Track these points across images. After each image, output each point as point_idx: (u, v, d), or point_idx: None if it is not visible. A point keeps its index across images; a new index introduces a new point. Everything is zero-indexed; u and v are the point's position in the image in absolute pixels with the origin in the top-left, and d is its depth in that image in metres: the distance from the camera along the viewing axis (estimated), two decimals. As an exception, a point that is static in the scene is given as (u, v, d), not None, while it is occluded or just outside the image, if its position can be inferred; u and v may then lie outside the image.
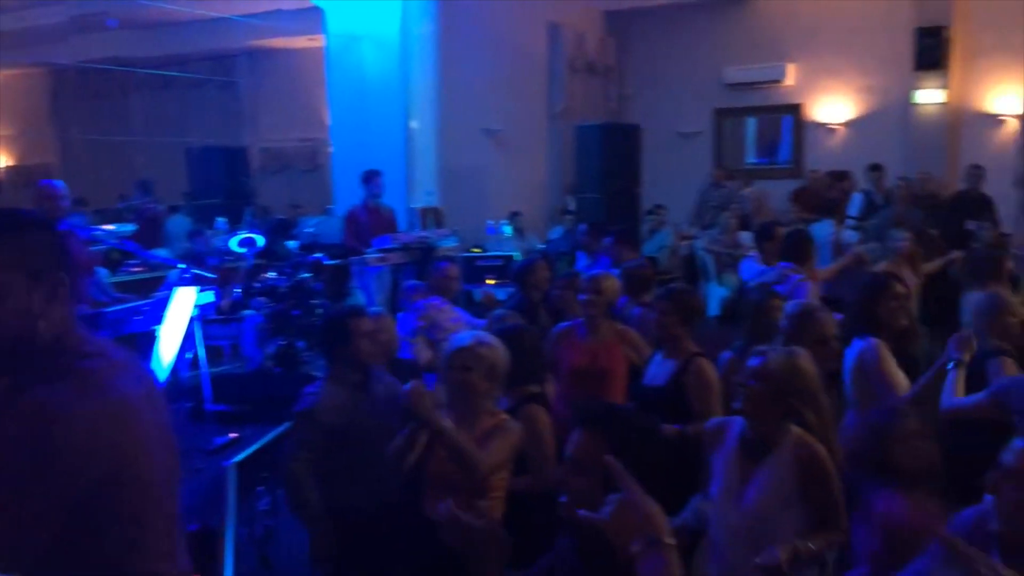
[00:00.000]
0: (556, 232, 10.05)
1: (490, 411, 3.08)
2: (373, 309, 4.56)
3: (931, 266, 6.39)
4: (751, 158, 12.91)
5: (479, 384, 3.04)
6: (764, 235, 6.15)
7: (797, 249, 5.46)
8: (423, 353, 4.93)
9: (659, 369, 3.86)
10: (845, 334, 3.90)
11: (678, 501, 3.16)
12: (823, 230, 8.06)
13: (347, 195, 8.29)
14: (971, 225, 7.57)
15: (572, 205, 10.09)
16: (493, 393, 3.09)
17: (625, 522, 1.66)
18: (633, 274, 5.40)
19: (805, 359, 2.86)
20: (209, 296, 5.21)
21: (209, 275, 5.20)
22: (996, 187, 10.09)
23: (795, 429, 2.77)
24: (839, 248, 7.77)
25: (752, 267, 5.86)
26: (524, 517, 2.96)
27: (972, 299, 4.14)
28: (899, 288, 3.90)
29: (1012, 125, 10.93)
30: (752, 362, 2.82)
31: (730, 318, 9.72)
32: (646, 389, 3.88)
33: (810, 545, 2.66)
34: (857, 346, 3.77)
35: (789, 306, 3.90)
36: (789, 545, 2.64)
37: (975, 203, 9.16)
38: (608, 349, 4.30)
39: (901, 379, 3.71)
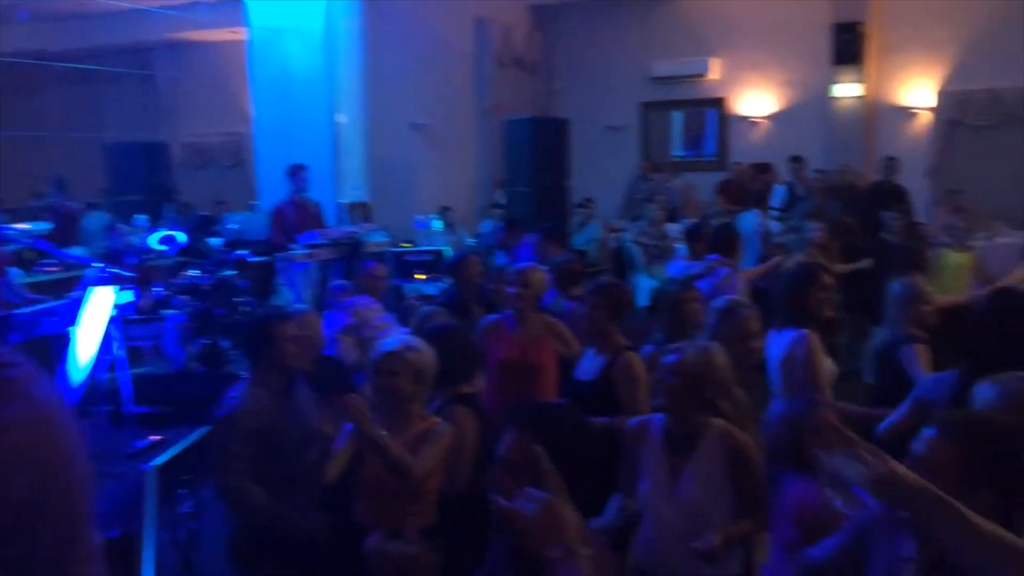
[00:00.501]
0: (486, 226, 10.05)
1: (420, 415, 3.09)
2: (298, 307, 4.50)
3: (842, 268, 6.55)
4: (677, 151, 13.12)
5: (406, 388, 3.04)
6: (692, 235, 6.23)
7: (724, 242, 5.52)
8: (350, 352, 4.88)
9: (590, 363, 3.88)
10: (774, 324, 3.97)
11: (609, 495, 3.21)
12: (750, 221, 8.21)
13: (272, 190, 8.14)
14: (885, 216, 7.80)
15: (502, 199, 10.10)
16: (421, 397, 3.10)
17: (545, 525, 1.67)
18: (562, 268, 5.41)
19: (719, 353, 2.92)
20: (128, 295, 5.06)
21: (128, 274, 5.04)
22: (910, 178, 10.46)
23: (718, 421, 2.82)
24: (767, 238, 7.92)
25: (679, 265, 5.91)
26: (460, 520, 2.97)
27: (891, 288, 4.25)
28: (827, 279, 3.96)
29: (925, 118, 11.33)
30: (669, 358, 2.87)
31: (656, 309, 9.91)
32: (577, 383, 3.90)
33: (740, 528, 2.74)
34: (787, 337, 3.81)
35: (716, 301, 3.96)
36: (722, 530, 2.70)
37: (890, 194, 9.47)
38: (537, 343, 4.30)
39: (827, 370, 3.78)
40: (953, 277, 6.39)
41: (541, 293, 4.59)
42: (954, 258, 6.48)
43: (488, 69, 11.33)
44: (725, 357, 2.94)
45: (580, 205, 10.47)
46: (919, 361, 3.70)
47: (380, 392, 3.09)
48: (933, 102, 11.24)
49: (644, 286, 10.21)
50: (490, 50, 11.33)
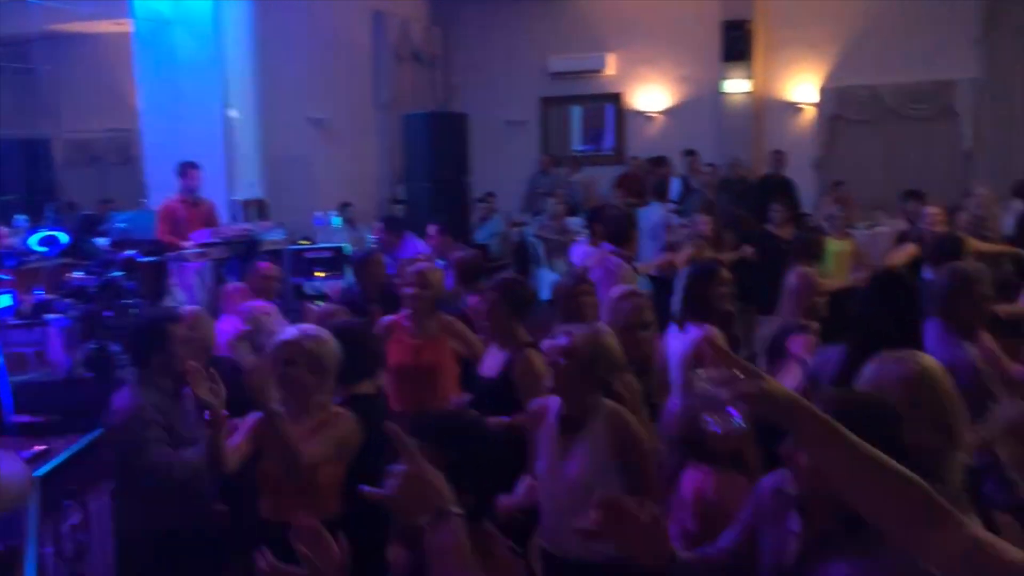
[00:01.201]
0: (387, 222, 9.98)
1: (321, 405, 3.01)
2: (187, 308, 4.37)
3: (728, 256, 6.75)
4: (577, 145, 13.29)
5: (304, 378, 2.97)
6: (593, 218, 6.30)
7: (619, 232, 5.58)
8: (246, 357, 4.77)
9: (493, 360, 3.87)
10: (674, 320, 4.04)
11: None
12: (654, 213, 8.39)
13: (162, 188, 7.86)
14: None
15: (403, 195, 10.04)
16: (323, 387, 3.01)
17: (410, 495, 1.66)
18: (465, 263, 5.41)
19: (609, 335, 2.97)
20: (7, 299, 4.82)
21: (4, 277, 4.80)
22: (797, 170, 10.90)
23: (608, 403, 2.87)
24: (670, 230, 8.10)
25: (581, 251, 5.99)
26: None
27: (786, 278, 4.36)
28: (726, 274, 4.04)
29: (809, 113, 11.80)
30: (559, 341, 2.91)
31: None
32: (480, 381, 3.90)
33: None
34: (692, 333, 3.84)
35: (613, 290, 4.03)
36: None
37: (778, 186, 9.85)
38: (435, 344, 4.26)
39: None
40: (835, 264, 6.68)
41: (439, 293, 4.55)
42: (836, 246, 6.77)
43: (386, 63, 11.23)
44: (615, 339, 2.98)
45: (481, 200, 10.51)
46: (807, 350, 3.79)
47: (278, 382, 3.03)
48: (816, 98, 11.70)
49: (547, 280, 10.34)
50: (388, 43, 11.23)
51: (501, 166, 12.19)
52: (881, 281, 3.25)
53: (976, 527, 1.48)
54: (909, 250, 6.35)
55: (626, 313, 3.70)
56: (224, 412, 2.80)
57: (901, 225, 7.76)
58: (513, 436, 3.44)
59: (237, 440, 2.96)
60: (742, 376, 1.51)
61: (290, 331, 3.10)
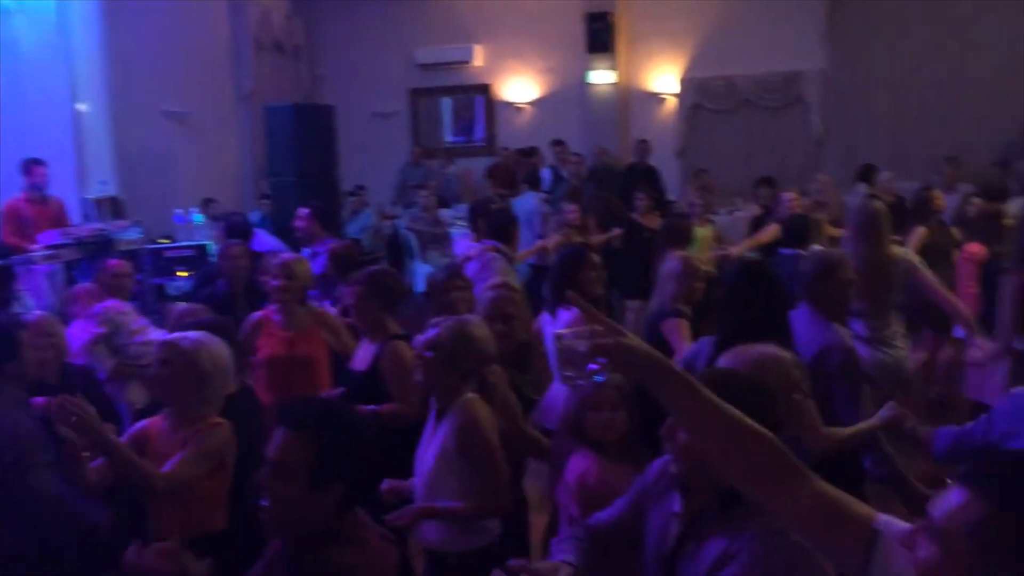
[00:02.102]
0: (254, 217, 9.67)
1: (201, 414, 2.86)
2: (36, 313, 4.11)
3: (597, 239, 6.92)
4: (449, 137, 13.25)
5: (175, 381, 2.84)
6: (477, 212, 6.28)
7: (501, 228, 5.55)
8: (105, 361, 4.53)
9: (364, 353, 3.84)
10: (546, 307, 4.05)
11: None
12: (527, 201, 8.46)
13: (6, 187, 7.37)
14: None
15: (268, 189, 9.76)
16: (202, 395, 2.86)
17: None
18: (339, 253, 5.34)
19: (477, 326, 2.97)
20: None
21: None
22: (662, 159, 11.23)
23: (467, 396, 2.85)
24: (546, 219, 8.18)
25: (464, 243, 5.96)
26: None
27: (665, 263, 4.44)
28: (596, 258, 4.09)
29: (671, 103, 12.17)
30: (426, 334, 2.91)
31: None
32: (350, 373, 3.86)
33: (448, 508, 2.78)
34: (564, 317, 3.87)
35: (490, 282, 4.04)
36: (427, 507, 2.78)
37: (643, 174, 10.12)
38: (306, 336, 4.19)
39: None
40: (698, 249, 6.92)
41: (307, 284, 4.47)
42: (698, 231, 7.02)
43: (246, 53, 10.87)
44: (484, 330, 2.98)
45: (351, 193, 10.34)
46: (681, 334, 3.92)
47: (152, 384, 2.90)
48: (677, 88, 12.08)
49: (421, 272, 10.28)
50: (247, 33, 10.87)
51: (371, 159, 12.04)
52: (747, 271, 3.33)
53: (824, 483, 1.54)
54: (772, 230, 6.66)
55: (490, 304, 3.71)
56: (85, 453, 2.69)
57: (756, 210, 8.11)
58: (388, 427, 3.45)
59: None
60: (600, 331, 1.54)
61: (175, 333, 3.01)
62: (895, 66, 11.46)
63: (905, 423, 2.78)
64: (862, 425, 2.96)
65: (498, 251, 5.34)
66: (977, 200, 6.60)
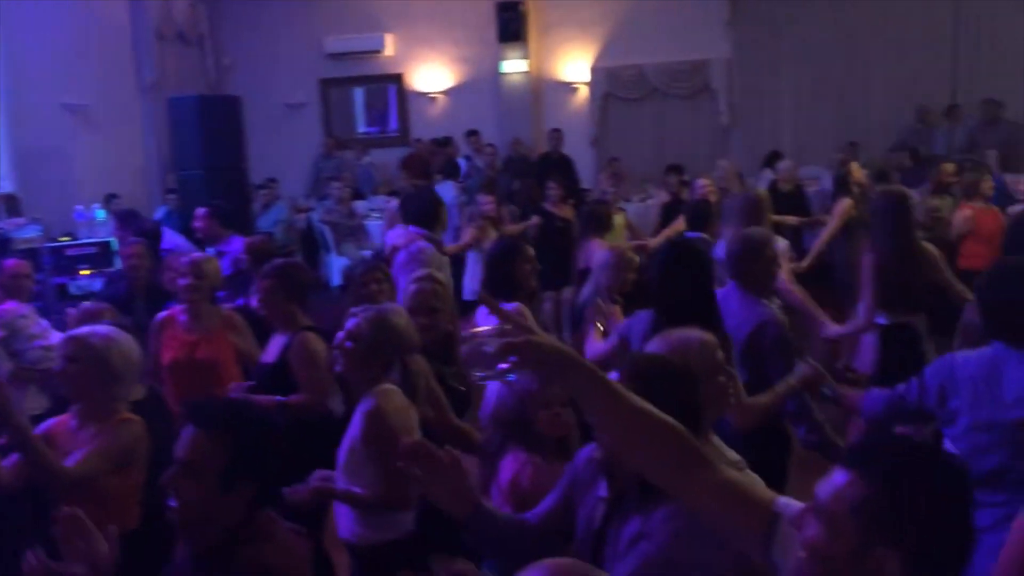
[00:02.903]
0: (160, 212, 9.41)
1: (112, 410, 2.81)
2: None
3: (513, 228, 6.95)
4: (362, 127, 13.10)
5: (84, 377, 2.79)
6: (403, 201, 6.15)
7: (426, 214, 5.44)
8: (2, 365, 4.36)
9: (273, 346, 3.81)
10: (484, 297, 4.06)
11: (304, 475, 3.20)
12: (446, 193, 8.43)
13: None
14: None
15: (174, 183, 9.48)
16: (111, 390, 2.81)
17: None
18: (256, 247, 5.26)
19: (397, 315, 2.95)
20: None
21: None
22: (576, 148, 11.34)
23: (381, 386, 2.83)
24: (461, 209, 8.17)
25: (394, 233, 5.84)
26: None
27: (596, 252, 4.49)
28: (529, 251, 4.07)
29: (583, 92, 12.28)
30: (347, 324, 2.89)
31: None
32: (260, 367, 3.83)
33: (352, 494, 2.78)
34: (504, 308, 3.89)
35: (415, 274, 4.01)
36: (325, 487, 2.78)
37: (557, 164, 10.22)
38: (212, 338, 4.11)
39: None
40: (614, 237, 7.04)
41: (216, 284, 4.39)
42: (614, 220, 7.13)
43: (147, 43, 10.51)
44: (405, 319, 2.96)
45: (262, 186, 10.14)
46: (608, 319, 3.97)
47: (61, 380, 2.83)
48: (588, 77, 12.20)
49: (336, 265, 10.17)
50: (148, 22, 10.50)
51: (282, 151, 11.82)
52: (677, 252, 3.43)
53: (728, 470, 1.61)
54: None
55: (413, 297, 3.70)
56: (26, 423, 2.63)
57: (666, 198, 8.28)
58: (303, 423, 3.42)
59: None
60: (509, 329, 1.55)
61: (82, 328, 2.93)
62: (797, 55, 11.83)
63: (823, 382, 2.89)
64: (780, 386, 3.07)
65: (426, 238, 5.28)
66: (860, 173, 6.89)
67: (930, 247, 4.38)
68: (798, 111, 11.94)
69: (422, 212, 5.45)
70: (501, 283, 3.93)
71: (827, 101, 11.82)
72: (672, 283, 3.25)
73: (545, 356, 1.54)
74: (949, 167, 7.26)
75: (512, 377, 1.61)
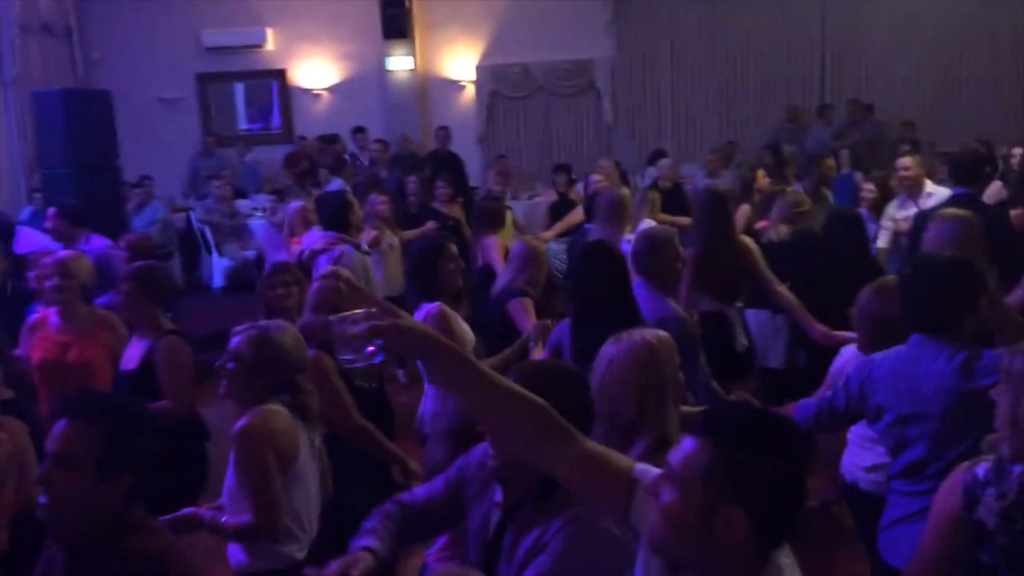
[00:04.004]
0: (26, 212, 8.88)
1: None
2: None
3: (410, 235, 6.87)
4: (243, 124, 12.72)
5: None
6: (317, 204, 6.01)
7: (337, 217, 5.32)
8: None
9: (133, 352, 3.67)
10: (407, 298, 3.95)
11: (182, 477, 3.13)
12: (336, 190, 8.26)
13: None
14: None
15: (39, 182, 8.96)
16: None
17: None
18: (137, 246, 5.15)
19: (282, 333, 2.80)
20: None
21: None
22: (464, 146, 11.34)
23: (259, 408, 2.70)
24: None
25: (312, 236, 5.64)
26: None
27: (490, 248, 4.52)
28: (453, 249, 4.00)
29: (470, 90, 12.29)
30: (230, 343, 2.77)
31: (235, 288, 9.59)
32: (120, 374, 3.69)
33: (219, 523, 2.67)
34: (424, 310, 3.80)
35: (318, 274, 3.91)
36: (193, 514, 2.67)
37: (445, 161, 10.19)
38: (85, 340, 3.96)
39: (469, 337, 3.86)
40: (504, 235, 7.06)
41: (87, 283, 4.20)
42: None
43: (9, 35, 9.89)
44: (291, 336, 2.83)
45: (136, 185, 9.71)
46: (526, 312, 4.07)
47: None
48: (474, 75, 12.21)
49: (219, 266, 9.83)
50: (10, 13, 9.89)
51: (158, 148, 11.35)
52: (595, 251, 3.53)
53: (589, 442, 1.71)
54: (578, 213, 6.92)
55: (317, 295, 3.58)
56: None
57: (554, 196, 8.35)
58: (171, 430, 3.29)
59: None
60: (376, 313, 1.61)
61: None
62: (676, 56, 12.18)
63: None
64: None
65: (344, 241, 5.14)
66: (765, 180, 7.13)
67: (747, 241, 4.63)
68: (679, 110, 12.29)
69: (333, 216, 5.30)
70: (425, 283, 3.86)
71: (705, 101, 12.22)
72: (592, 282, 3.33)
73: (411, 339, 1.61)
74: (830, 162, 7.63)
75: (378, 359, 1.64)
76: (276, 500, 2.59)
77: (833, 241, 4.63)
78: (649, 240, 3.85)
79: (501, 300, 4.17)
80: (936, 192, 5.62)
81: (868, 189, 5.91)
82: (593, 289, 3.34)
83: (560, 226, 7.23)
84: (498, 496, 2.03)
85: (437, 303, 3.78)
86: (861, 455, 3.20)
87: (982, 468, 1.99)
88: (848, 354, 3.31)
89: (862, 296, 3.10)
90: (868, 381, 2.70)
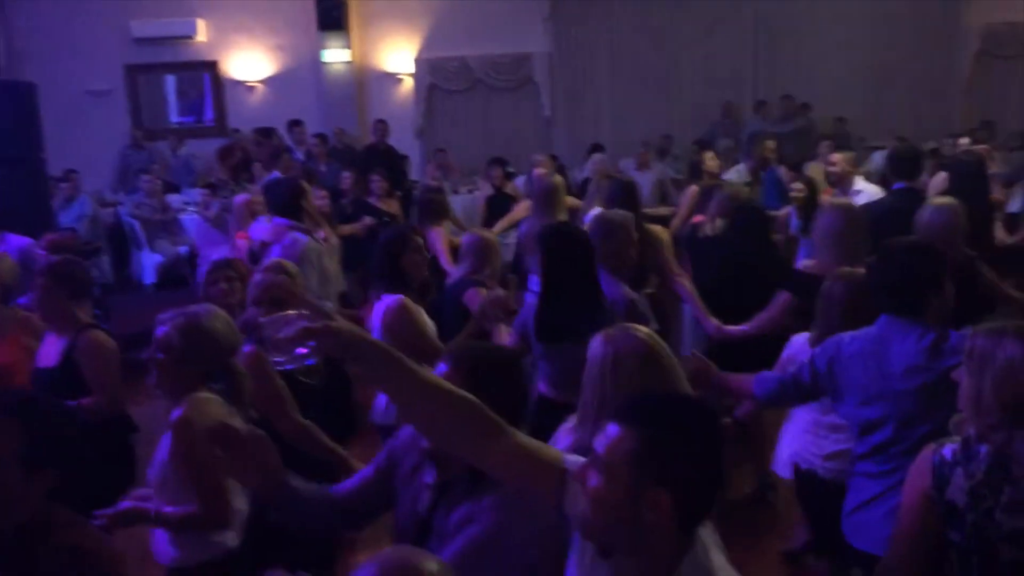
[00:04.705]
0: (-56, 210, 8.53)
1: None
2: None
3: (345, 229, 6.77)
4: (175, 117, 12.43)
5: None
6: (264, 192, 5.68)
7: (287, 204, 5.07)
8: None
9: (50, 349, 3.55)
10: (372, 293, 3.86)
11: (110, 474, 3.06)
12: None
13: None
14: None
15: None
16: None
17: None
18: (60, 244, 4.98)
19: (212, 318, 2.73)
20: None
21: None
22: (403, 139, 11.26)
23: (192, 396, 2.65)
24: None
25: (260, 227, 5.45)
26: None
27: (436, 240, 4.52)
28: (419, 240, 3.93)
29: (408, 83, 12.20)
30: (156, 332, 2.69)
31: (167, 284, 9.38)
32: (38, 372, 3.55)
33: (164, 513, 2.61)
34: (386, 302, 3.73)
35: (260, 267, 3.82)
36: (138, 508, 2.60)
37: (383, 154, 10.09)
38: (4, 340, 3.81)
39: (431, 330, 3.80)
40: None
41: (10, 283, 4.08)
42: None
43: (-76, 23, 9.51)
44: (221, 321, 2.76)
45: (62, 179, 9.41)
46: (480, 298, 4.10)
47: None
48: (412, 68, 12.13)
49: (149, 262, 9.60)
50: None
51: (86, 141, 11.00)
52: (560, 235, 3.55)
53: (520, 435, 1.74)
54: (524, 206, 6.93)
55: (258, 288, 3.48)
56: None
57: (490, 191, 8.29)
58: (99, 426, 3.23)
59: None
60: (309, 315, 1.62)
61: None
62: (613, 51, 12.26)
63: (712, 372, 2.97)
64: None
65: (296, 228, 4.93)
66: (713, 162, 7.20)
67: (657, 230, 4.74)
68: (616, 105, 12.38)
69: (285, 202, 5.06)
70: (388, 275, 3.80)
71: (642, 96, 12.34)
72: (558, 266, 3.37)
73: (343, 341, 1.62)
74: (771, 143, 7.80)
75: (311, 361, 1.65)
76: (221, 487, 2.57)
77: (734, 235, 4.70)
78: (604, 224, 3.90)
79: (457, 291, 4.17)
80: (865, 189, 5.77)
81: (797, 188, 5.98)
82: (559, 271, 3.37)
83: (505, 222, 7.21)
84: (429, 477, 2.03)
85: (398, 296, 3.72)
86: (817, 443, 3.24)
87: (948, 449, 2.05)
88: (799, 342, 3.33)
89: (828, 285, 3.15)
90: (836, 360, 2.73)
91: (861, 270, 3.09)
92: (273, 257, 4.49)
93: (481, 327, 3.76)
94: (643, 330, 2.30)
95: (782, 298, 3.87)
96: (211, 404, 2.66)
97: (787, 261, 4.78)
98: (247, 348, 3.02)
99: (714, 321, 4.20)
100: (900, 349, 2.61)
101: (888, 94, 11.91)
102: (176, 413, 2.59)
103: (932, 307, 2.63)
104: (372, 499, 2.14)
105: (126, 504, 2.61)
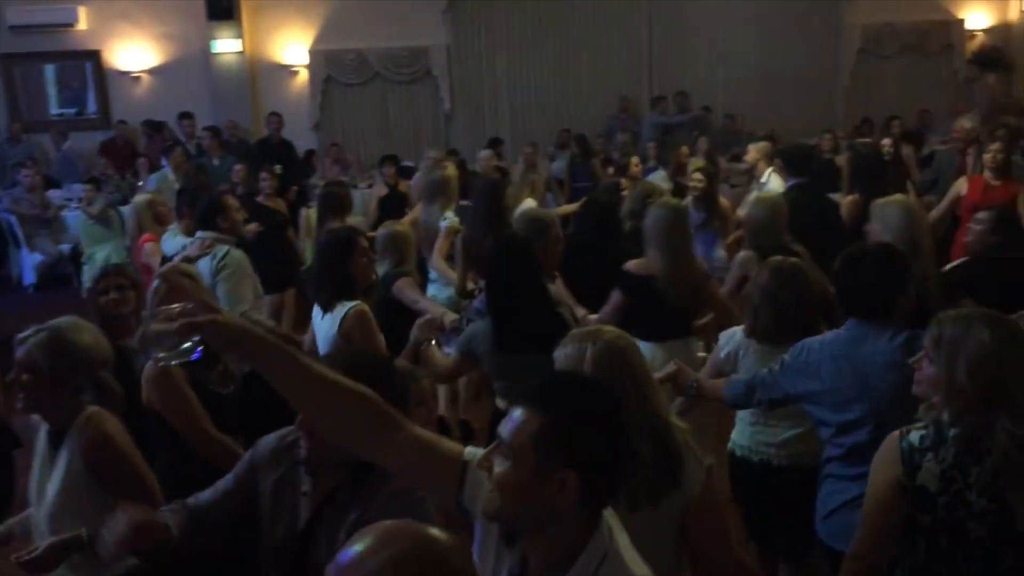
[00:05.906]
0: None
1: None
2: None
3: (251, 229, 6.52)
4: (55, 108, 11.85)
5: None
6: (186, 202, 5.24)
7: (213, 217, 4.65)
8: None
9: None
10: (318, 301, 3.69)
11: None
12: (163, 181, 7.89)
13: None
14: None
15: None
16: None
17: None
18: None
19: (76, 330, 2.57)
20: None
21: None
22: (297, 132, 11.03)
23: (88, 412, 2.52)
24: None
25: (176, 242, 5.07)
26: None
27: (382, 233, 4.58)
28: (364, 242, 3.75)
29: (303, 75, 11.94)
30: (17, 352, 2.51)
31: (49, 284, 8.94)
32: None
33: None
34: (340, 312, 3.54)
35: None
36: (75, 536, 2.38)
37: (277, 148, 9.88)
38: None
39: (381, 341, 3.64)
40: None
41: None
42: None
43: None
44: (87, 333, 2.60)
45: (-70, 174, 8.88)
46: (412, 288, 4.30)
47: None
48: (307, 60, 11.87)
49: (29, 262, 9.13)
50: None
51: (-44, 134, 10.40)
52: (506, 244, 3.54)
53: (418, 428, 1.73)
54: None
55: (155, 294, 3.25)
56: None
57: (383, 190, 8.11)
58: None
59: None
60: (194, 309, 1.59)
61: None
62: (510, 45, 12.29)
63: (687, 377, 2.99)
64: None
65: (221, 241, 4.53)
66: (637, 168, 7.28)
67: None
68: (515, 98, 12.42)
69: (208, 213, 4.63)
70: (335, 281, 3.59)
71: (540, 90, 12.41)
72: (505, 274, 3.36)
73: (229, 334, 1.59)
74: (684, 149, 7.98)
75: (195, 356, 1.59)
76: (156, 490, 2.50)
77: (584, 229, 4.75)
78: (531, 223, 3.93)
79: (385, 285, 4.20)
80: (771, 182, 6.01)
81: (696, 179, 5.89)
82: (510, 282, 3.33)
83: (414, 216, 7.12)
84: (305, 485, 2.01)
85: (356, 303, 3.54)
86: (767, 433, 3.25)
87: (916, 435, 2.10)
88: (738, 338, 3.32)
89: (761, 279, 3.21)
90: (807, 366, 2.75)
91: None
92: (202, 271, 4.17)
93: (416, 349, 3.55)
94: (612, 330, 2.29)
95: (615, 298, 3.97)
96: (109, 419, 2.53)
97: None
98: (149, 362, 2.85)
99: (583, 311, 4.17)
100: (875, 349, 2.64)
101: (775, 92, 12.31)
102: (86, 437, 2.46)
103: (899, 308, 2.69)
104: (232, 509, 2.09)
105: (56, 541, 2.33)
